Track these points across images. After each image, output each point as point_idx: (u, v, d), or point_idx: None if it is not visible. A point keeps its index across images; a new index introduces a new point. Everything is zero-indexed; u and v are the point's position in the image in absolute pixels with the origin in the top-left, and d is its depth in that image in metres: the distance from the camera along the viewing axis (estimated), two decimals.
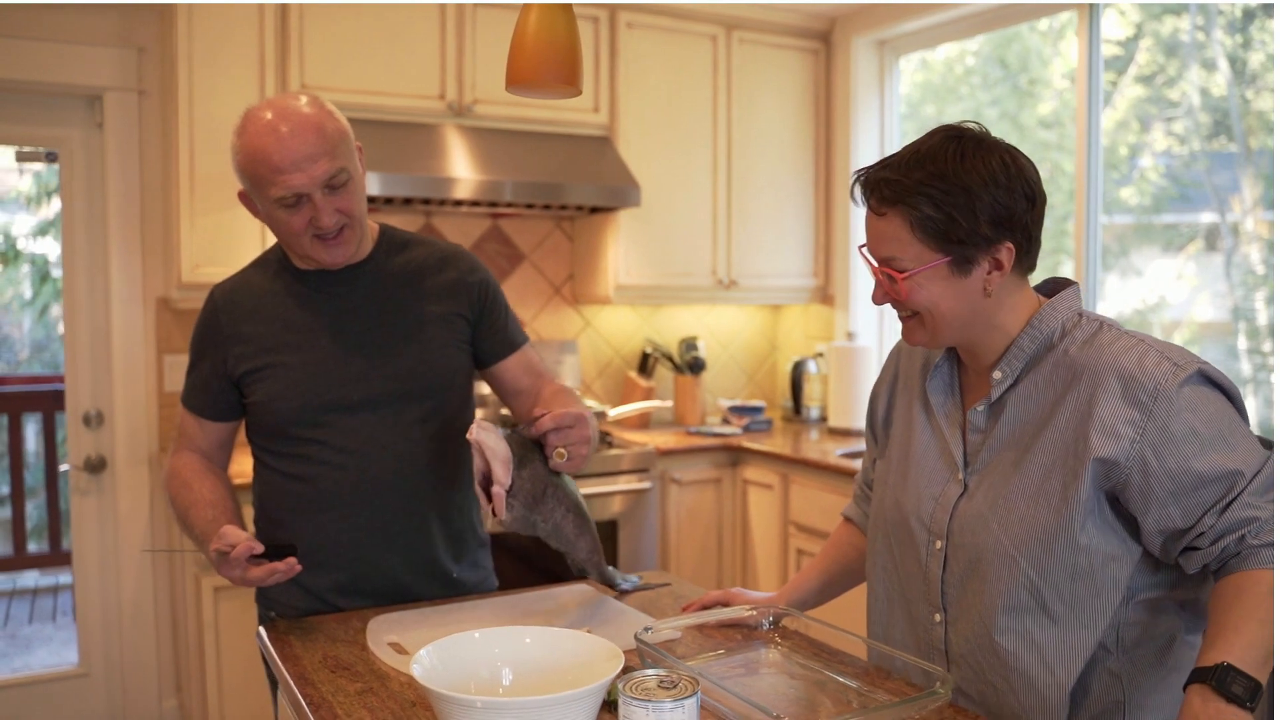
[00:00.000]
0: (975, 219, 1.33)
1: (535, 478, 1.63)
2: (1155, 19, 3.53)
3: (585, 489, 3.40)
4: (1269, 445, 1.35)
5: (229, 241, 3.23)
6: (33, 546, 5.16)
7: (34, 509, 5.37)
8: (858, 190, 1.43)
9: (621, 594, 1.88)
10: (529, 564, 3.31)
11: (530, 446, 1.65)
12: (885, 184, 1.37)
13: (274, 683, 1.88)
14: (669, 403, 4.10)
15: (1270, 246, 3.24)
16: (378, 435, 1.81)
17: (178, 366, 3.52)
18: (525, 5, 1.54)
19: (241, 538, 1.61)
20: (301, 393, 1.79)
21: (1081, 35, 3.45)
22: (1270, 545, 1.26)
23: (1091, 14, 3.42)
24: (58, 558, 5.01)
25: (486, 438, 1.57)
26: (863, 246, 1.46)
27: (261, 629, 1.71)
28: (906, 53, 4.22)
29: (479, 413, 1.61)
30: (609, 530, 3.51)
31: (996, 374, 1.43)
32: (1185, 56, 3.48)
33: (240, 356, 1.81)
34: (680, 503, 3.75)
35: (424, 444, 1.85)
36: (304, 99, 1.73)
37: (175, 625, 3.53)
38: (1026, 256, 1.40)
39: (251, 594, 2.95)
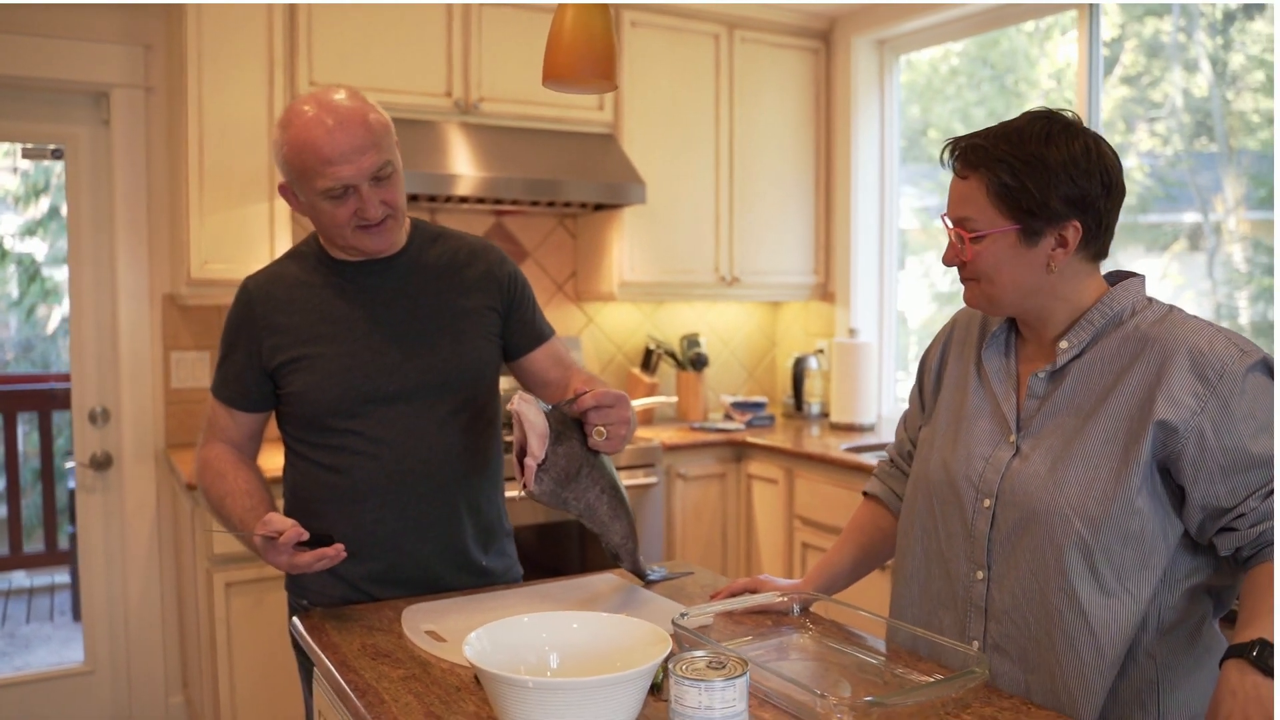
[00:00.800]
0: (1048, 193, 1.39)
1: (571, 455, 1.64)
2: (1138, 20, 3.58)
3: None
4: None
5: (238, 238, 3.24)
6: (28, 547, 5.14)
7: (29, 508, 5.35)
8: (947, 155, 1.50)
9: (649, 584, 1.90)
10: (532, 561, 3.33)
11: (570, 424, 1.66)
12: (973, 149, 1.44)
13: (305, 672, 1.90)
14: (673, 399, 4.13)
15: (1255, 245, 3.29)
16: (412, 426, 1.83)
17: (184, 363, 3.53)
18: (562, 3, 1.56)
19: (287, 524, 1.63)
20: (338, 383, 1.81)
21: (1081, 32, 3.50)
22: None
23: (1091, 13, 3.47)
24: (54, 557, 5.00)
25: (527, 410, 1.59)
26: (943, 215, 1.52)
27: (295, 619, 1.73)
28: (906, 52, 4.26)
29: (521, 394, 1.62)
30: None
31: (1064, 344, 1.48)
32: (1168, 58, 3.53)
33: (275, 347, 1.83)
34: (686, 497, 3.78)
35: (456, 435, 1.87)
36: (345, 93, 1.75)
37: (182, 621, 3.54)
38: (1096, 240, 1.46)
39: (264, 589, 2.98)
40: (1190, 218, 3.46)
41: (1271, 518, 1.33)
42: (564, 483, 1.65)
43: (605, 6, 1.57)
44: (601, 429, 1.64)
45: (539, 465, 1.61)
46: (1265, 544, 1.33)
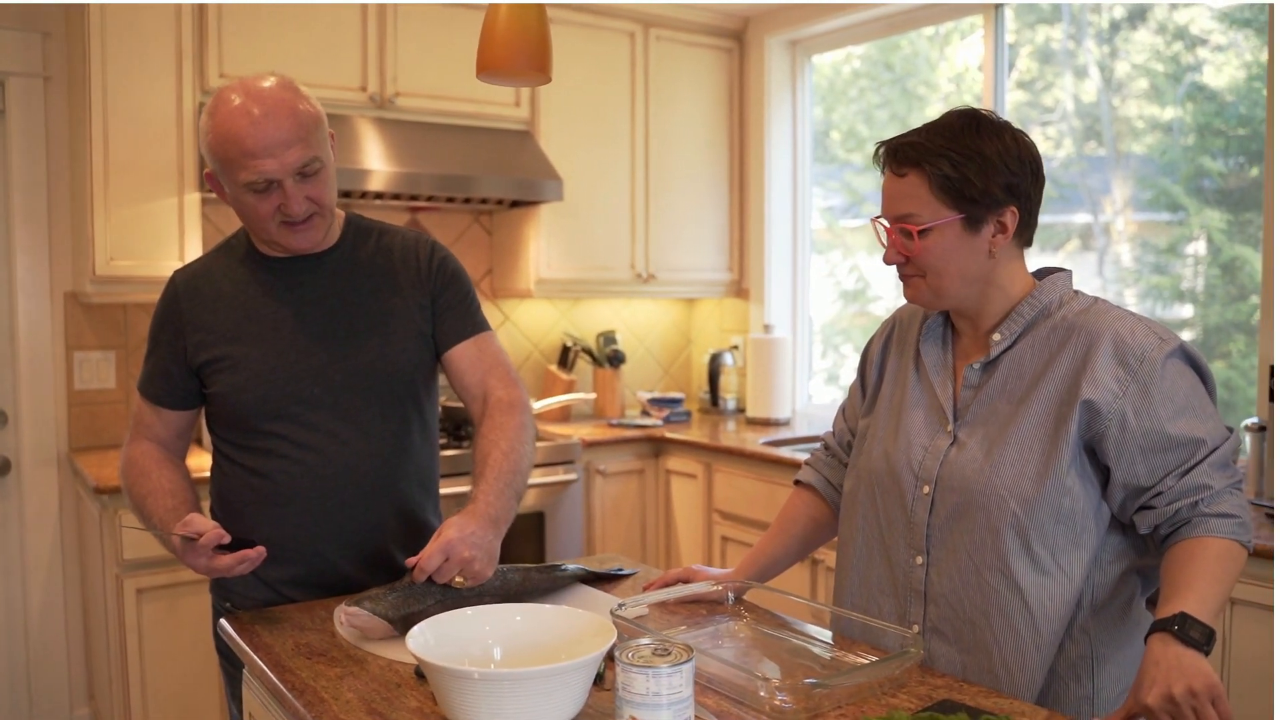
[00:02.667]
0: (988, 181, 1.46)
1: (447, 603, 1.58)
2: (1030, 28, 3.71)
3: None
4: (1231, 430, 1.47)
5: (146, 234, 3.14)
6: None
7: None
8: (880, 156, 1.55)
9: (602, 580, 1.91)
10: None
11: (425, 589, 1.60)
12: (909, 147, 1.49)
13: (229, 676, 1.86)
14: (591, 395, 4.13)
15: (1143, 245, 3.44)
16: (337, 430, 1.79)
17: (89, 364, 3.41)
18: None
19: (208, 525, 1.58)
20: (261, 385, 1.76)
21: (988, 34, 3.61)
22: (1219, 515, 1.39)
23: (997, 15, 3.59)
24: None
25: (358, 623, 1.54)
26: (876, 218, 1.55)
27: (224, 621, 1.69)
28: (818, 53, 4.33)
29: (345, 608, 1.58)
30: (535, 522, 3.52)
31: (996, 336, 1.54)
32: (1059, 64, 3.66)
33: (199, 345, 1.78)
34: (605, 493, 3.79)
35: (384, 440, 1.83)
36: (275, 81, 1.68)
37: (88, 630, 3.42)
38: (1026, 228, 1.53)
39: (179, 593, 2.91)
40: (1081, 218, 3.59)
41: (1186, 496, 1.40)
42: (469, 602, 1.60)
43: None
44: (459, 579, 1.60)
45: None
46: (1181, 522, 1.41)
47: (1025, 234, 1.54)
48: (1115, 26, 3.46)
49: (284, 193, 1.67)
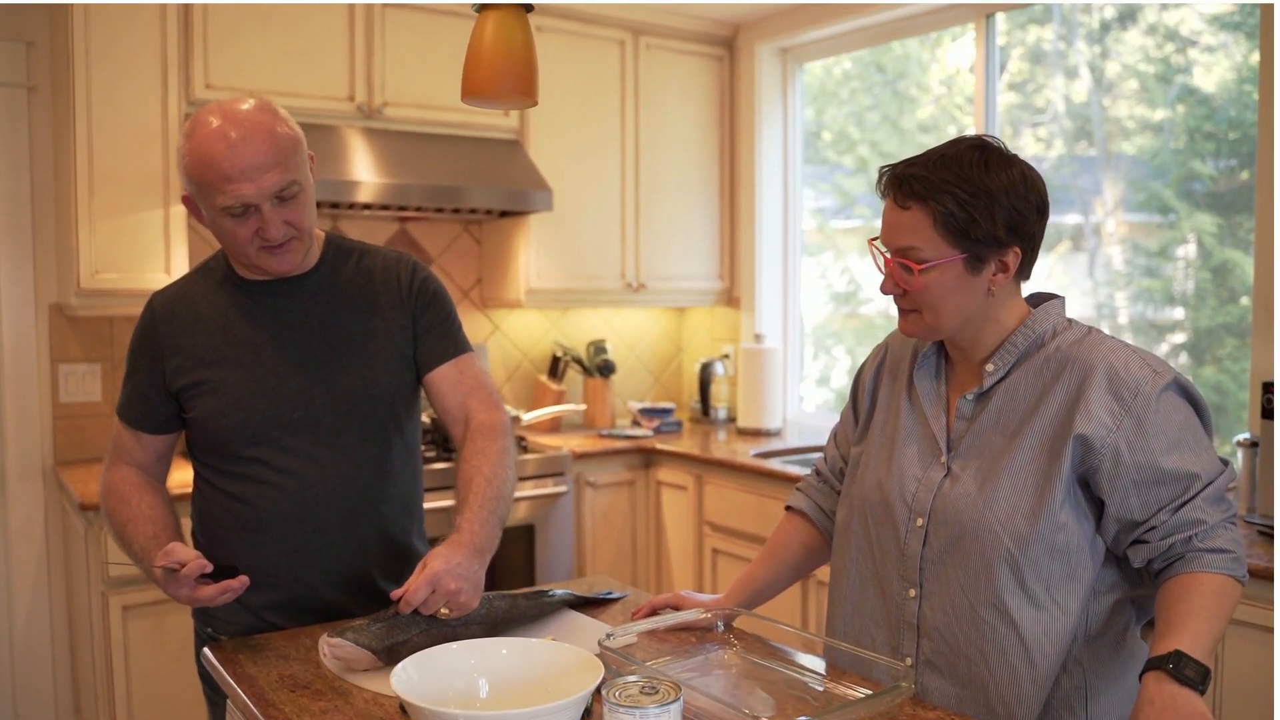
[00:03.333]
0: (994, 222, 1.43)
1: (433, 633, 1.57)
2: (1021, 29, 3.70)
3: None
4: (1226, 464, 1.46)
5: (131, 246, 3.11)
6: None
7: None
8: (883, 183, 1.50)
9: (590, 605, 1.89)
10: None
11: (409, 619, 1.58)
12: (914, 180, 1.45)
13: (212, 703, 1.84)
14: (581, 406, 4.11)
15: (1134, 247, 3.43)
16: (318, 455, 1.77)
17: (74, 376, 3.38)
18: (481, 14, 1.54)
19: (190, 555, 1.56)
20: (241, 410, 1.74)
21: (979, 41, 3.60)
22: (1213, 551, 1.38)
23: (988, 22, 3.58)
24: None
25: (341, 654, 1.51)
26: (873, 240, 1.52)
27: (207, 649, 1.67)
28: (809, 61, 4.32)
29: (328, 638, 1.56)
30: (525, 534, 3.50)
31: (989, 367, 1.52)
32: (1050, 65, 3.65)
33: (178, 369, 1.76)
34: (595, 505, 3.77)
35: (365, 464, 1.81)
36: (254, 103, 1.66)
37: (74, 645, 3.39)
38: (1028, 264, 1.51)
39: (164, 611, 2.88)
40: (1072, 219, 3.58)
41: (1180, 531, 1.39)
42: (452, 635, 1.58)
43: (526, 19, 1.55)
44: (444, 610, 1.58)
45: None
46: (1175, 557, 1.39)
47: (1025, 270, 1.52)
48: (1106, 27, 3.46)
49: (261, 217, 1.65)
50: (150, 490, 1.78)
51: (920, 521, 1.53)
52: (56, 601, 3.42)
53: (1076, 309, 3.72)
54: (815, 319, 4.51)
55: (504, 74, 1.52)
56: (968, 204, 1.42)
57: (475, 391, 1.86)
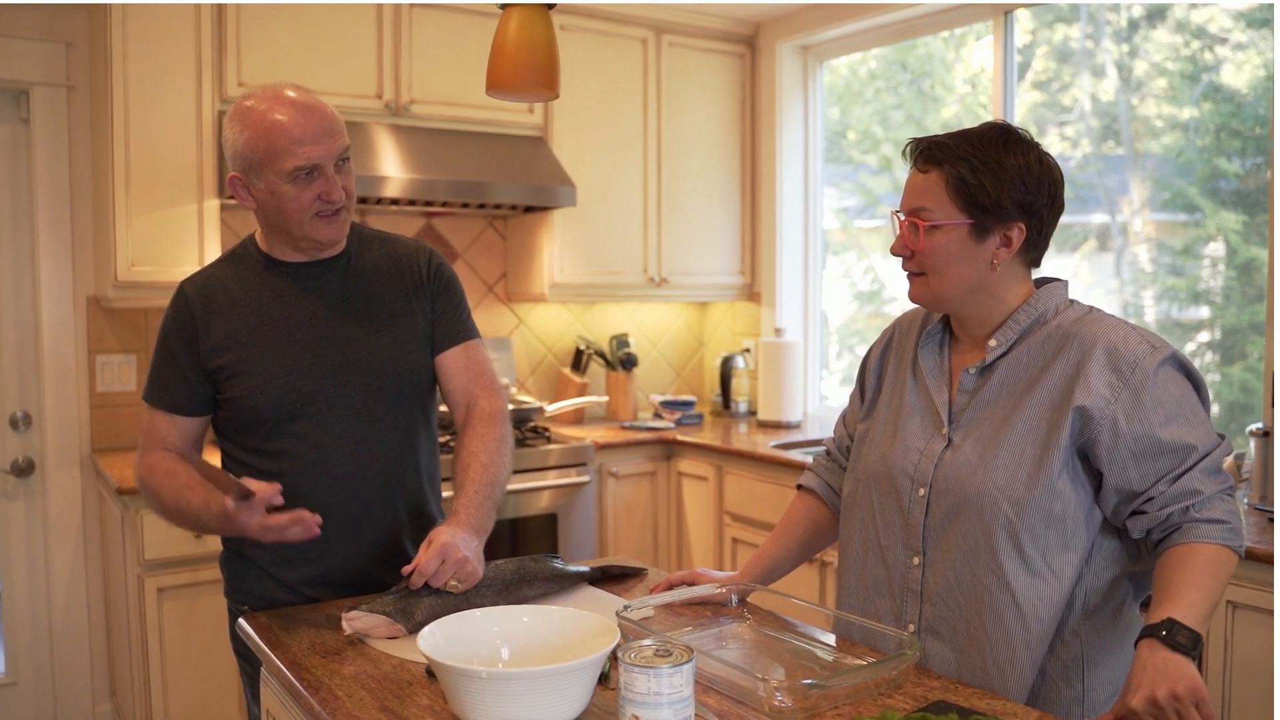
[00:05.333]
0: (1001, 193, 1.50)
1: (436, 607, 1.64)
2: (1048, 27, 3.72)
3: (525, 484, 3.47)
4: (1223, 437, 1.50)
5: (166, 240, 3.20)
6: None
7: None
8: (909, 151, 1.59)
9: (610, 581, 1.96)
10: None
11: (420, 591, 1.67)
12: (936, 146, 1.55)
13: (248, 676, 1.91)
14: (604, 398, 4.17)
15: (1159, 246, 3.44)
16: (350, 430, 1.85)
17: (110, 367, 3.48)
18: (505, 11, 1.60)
19: (262, 485, 1.63)
20: (276, 387, 1.81)
21: (997, 40, 3.64)
22: (1209, 521, 1.42)
23: (1006, 20, 3.61)
24: None
25: (360, 625, 1.60)
26: (895, 211, 1.60)
27: (242, 620, 1.74)
28: (829, 58, 4.36)
29: (345, 614, 1.63)
30: (549, 523, 3.57)
31: (992, 342, 1.58)
32: (1077, 64, 3.66)
33: (214, 350, 1.83)
34: (617, 495, 3.84)
35: (394, 438, 1.89)
36: (295, 89, 1.78)
37: (110, 628, 3.49)
38: (1035, 248, 1.57)
39: (198, 593, 2.96)
40: (1099, 219, 3.59)
41: (1177, 501, 1.43)
42: (464, 602, 1.66)
43: (548, 16, 1.62)
44: (454, 582, 1.67)
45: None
46: (1173, 527, 1.44)
47: (1032, 254, 1.57)
48: (1134, 25, 3.47)
49: (326, 179, 1.75)
50: (191, 465, 1.85)
51: (922, 491, 1.58)
52: (94, 584, 3.52)
53: (1103, 308, 3.72)
54: (840, 318, 4.55)
55: (526, 68, 1.58)
56: (979, 171, 1.50)
57: (480, 377, 1.96)
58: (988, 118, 3.80)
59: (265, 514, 1.64)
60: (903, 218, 1.58)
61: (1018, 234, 1.53)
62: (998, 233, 1.53)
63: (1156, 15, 3.39)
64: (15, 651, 3.48)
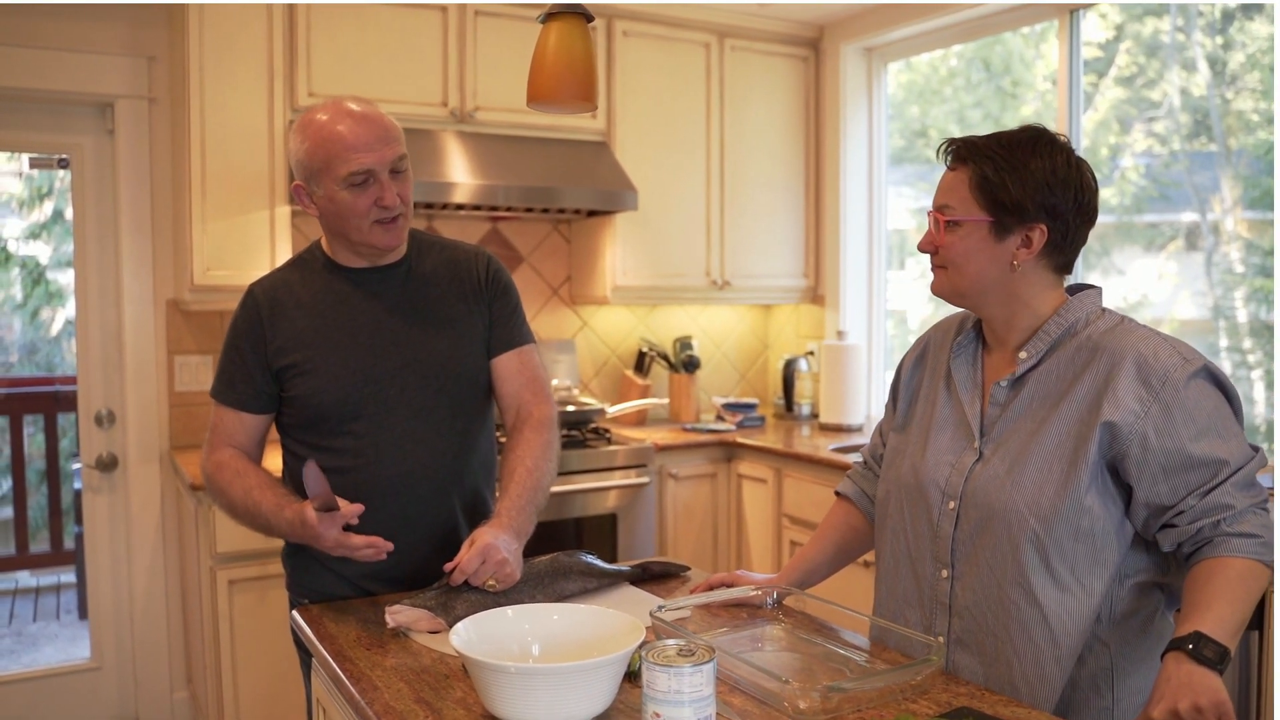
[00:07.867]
0: (1023, 193, 1.51)
1: (480, 601, 1.68)
2: (1136, 20, 3.63)
3: (586, 484, 3.52)
4: (1257, 450, 1.48)
5: (239, 245, 3.32)
6: (34, 547, 5.23)
7: (34, 509, 5.43)
8: (943, 150, 1.62)
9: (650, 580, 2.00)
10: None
11: (460, 589, 1.72)
12: (965, 145, 1.57)
13: (305, 666, 1.99)
14: (665, 400, 4.21)
15: (1249, 246, 3.34)
16: (411, 429, 1.91)
17: (188, 367, 3.62)
18: (545, 25, 1.65)
19: (348, 505, 1.71)
20: (340, 387, 1.89)
21: (1062, 39, 3.58)
22: (1240, 535, 1.41)
23: (1072, 19, 3.56)
24: (59, 557, 5.08)
25: (402, 618, 1.66)
26: (930, 211, 1.63)
27: (295, 612, 1.81)
28: (894, 59, 4.34)
29: (388, 609, 1.69)
30: (609, 524, 3.61)
31: (1023, 354, 1.58)
32: (1166, 57, 3.57)
33: (280, 350, 1.91)
34: (677, 497, 3.87)
35: (453, 437, 1.96)
36: (356, 100, 1.86)
37: (187, 618, 3.63)
38: (1060, 252, 1.56)
39: (266, 586, 3.07)
40: (1188, 217, 3.50)
41: (1208, 515, 1.41)
42: (500, 600, 1.71)
43: (586, 30, 1.66)
44: (492, 581, 1.72)
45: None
46: (1203, 541, 1.42)
47: (1058, 258, 1.56)
48: (1229, 17, 3.38)
49: (380, 185, 1.83)
50: (259, 467, 1.93)
51: (952, 504, 1.58)
52: (171, 577, 3.66)
53: (1193, 311, 3.62)
54: (917, 319, 4.51)
55: (565, 81, 1.62)
56: (1003, 170, 1.51)
57: (532, 383, 2.02)
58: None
59: (342, 530, 1.71)
60: (931, 212, 1.60)
61: (1039, 235, 1.53)
62: (1019, 233, 1.53)
63: (1253, 7, 3.29)
64: (100, 638, 3.64)
